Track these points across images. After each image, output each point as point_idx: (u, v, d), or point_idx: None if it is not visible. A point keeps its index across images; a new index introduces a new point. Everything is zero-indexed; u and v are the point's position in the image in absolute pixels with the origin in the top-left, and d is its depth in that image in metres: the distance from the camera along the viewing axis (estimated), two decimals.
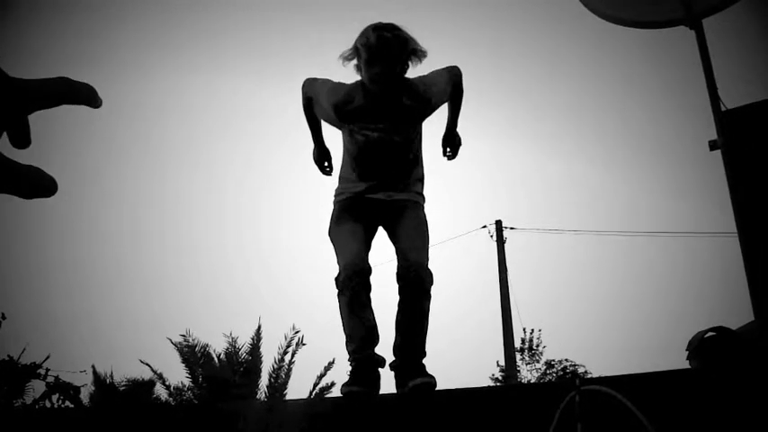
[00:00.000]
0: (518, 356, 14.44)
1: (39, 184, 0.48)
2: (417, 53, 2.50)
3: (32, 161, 0.48)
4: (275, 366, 2.33)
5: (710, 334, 2.83)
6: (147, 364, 2.45)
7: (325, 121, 2.79)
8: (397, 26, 2.44)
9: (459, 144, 2.86)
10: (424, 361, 2.44)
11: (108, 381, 2.54)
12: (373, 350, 2.45)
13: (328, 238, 2.64)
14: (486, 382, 13.86)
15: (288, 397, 2.33)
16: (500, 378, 14.07)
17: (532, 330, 15.08)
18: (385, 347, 2.51)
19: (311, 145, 2.91)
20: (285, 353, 2.35)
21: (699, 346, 2.81)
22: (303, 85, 2.76)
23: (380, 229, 2.71)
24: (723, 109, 2.63)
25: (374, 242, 2.69)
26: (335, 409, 2.25)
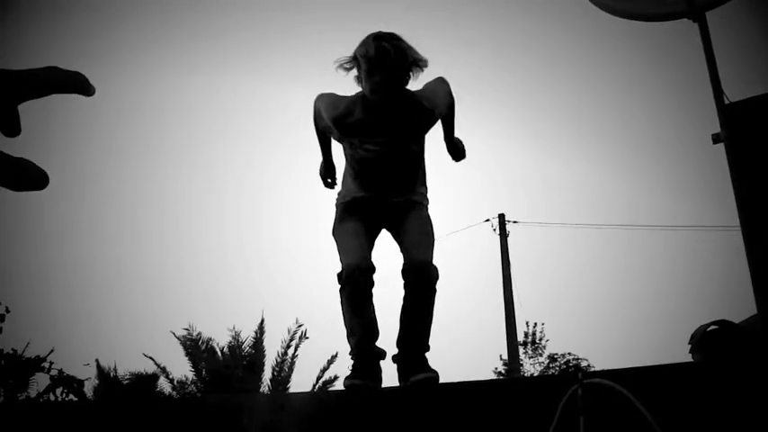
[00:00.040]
0: (521, 350, 14.46)
1: (28, 177, 0.47)
2: (418, 63, 2.44)
3: (33, 161, 0.48)
4: (278, 360, 2.34)
5: (713, 327, 2.84)
6: (150, 358, 2.47)
7: (329, 135, 2.77)
8: (398, 36, 2.39)
9: (463, 147, 2.87)
10: (427, 355, 2.45)
11: (112, 374, 2.56)
12: (374, 344, 2.47)
13: (332, 237, 2.65)
14: (489, 375, 13.91)
15: (290, 392, 2.34)
16: (503, 371, 14.11)
17: (535, 324, 15.11)
18: (389, 345, 2.52)
19: (311, 145, 2.90)
20: (288, 346, 2.36)
21: (701, 340, 2.81)
22: (314, 100, 2.74)
23: (384, 231, 2.71)
24: (726, 102, 2.61)
25: (377, 241, 2.69)
26: (339, 402, 2.26)
